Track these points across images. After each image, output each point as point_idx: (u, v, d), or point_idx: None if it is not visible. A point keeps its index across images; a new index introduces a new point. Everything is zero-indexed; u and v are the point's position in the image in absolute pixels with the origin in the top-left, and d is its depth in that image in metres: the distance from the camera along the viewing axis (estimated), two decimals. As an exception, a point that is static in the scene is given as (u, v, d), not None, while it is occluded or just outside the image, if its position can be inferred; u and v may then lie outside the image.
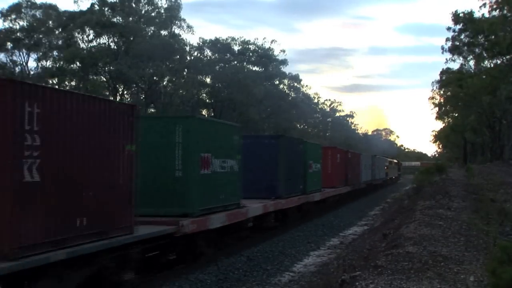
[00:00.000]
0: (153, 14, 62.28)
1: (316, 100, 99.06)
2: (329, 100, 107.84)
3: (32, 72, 59.76)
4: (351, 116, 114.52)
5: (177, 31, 63.02)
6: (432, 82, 73.77)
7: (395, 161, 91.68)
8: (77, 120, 9.91)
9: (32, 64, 61.82)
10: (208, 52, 68.82)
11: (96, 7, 59.73)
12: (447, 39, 59.38)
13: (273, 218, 22.42)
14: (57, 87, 55.22)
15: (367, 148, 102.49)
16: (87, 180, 10.23)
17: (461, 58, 60.88)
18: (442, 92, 70.59)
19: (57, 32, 60.43)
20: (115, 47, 60.05)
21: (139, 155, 11.87)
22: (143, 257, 12.18)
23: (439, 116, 78.57)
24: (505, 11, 50.01)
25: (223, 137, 16.62)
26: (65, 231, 9.58)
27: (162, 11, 61.97)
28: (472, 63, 60.94)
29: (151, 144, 13.79)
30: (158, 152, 13.95)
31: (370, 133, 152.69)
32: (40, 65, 60.54)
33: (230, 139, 17.06)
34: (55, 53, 60.31)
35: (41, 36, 59.60)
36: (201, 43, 68.24)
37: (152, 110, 61.45)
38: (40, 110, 8.91)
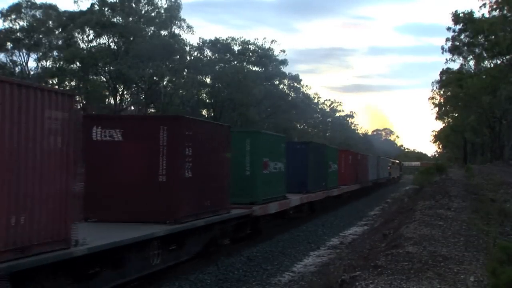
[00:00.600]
0: (153, 14, 62.30)
1: (316, 100, 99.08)
2: (329, 100, 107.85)
3: (32, 72, 59.79)
4: (351, 116, 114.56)
5: (177, 31, 63.12)
6: (432, 82, 73.87)
7: (397, 161, 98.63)
8: (206, 137, 15.17)
9: (32, 64, 61.99)
10: (208, 52, 68.87)
11: (96, 7, 59.76)
12: (447, 39, 59.44)
13: (306, 208, 27.53)
14: (57, 87, 55.48)
15: (368, 148, 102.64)
16: (211, 177, 15.34)
17: (461, 58, 60.92)
18: (442, 92, 70.57)
19: (57, 32, 60.45)
20: (115, 47, 60.07)
21: (230, 160, 17.00)
22: (234, 230, 17.75)
23: (439, 116, 78.60)
24: (505, 11, 49.98)
25: (275, 145, 22.04)
26: (200, 208, 14.73)
27: (162, 11, 61.99)
28: (472, 63, 61.00)
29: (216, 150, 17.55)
30: (233, 158, 17.45)
31: (370, 133, 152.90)
32: (40, 65, 60.65)
33: (279, 147, 22.47)
34: (55, 53, 60.35)
35: (41, 36, 59.62)
36: (201, 43, 68.30)
37: (152, 110, 61.49)
38: (192, 133, 14.18)
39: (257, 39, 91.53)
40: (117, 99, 61.75)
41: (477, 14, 55.97)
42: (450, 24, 58.49)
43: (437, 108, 75.99)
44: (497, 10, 51.29)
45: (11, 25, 59.50)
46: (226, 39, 69.89)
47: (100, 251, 10.09)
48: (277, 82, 76.09)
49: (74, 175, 9.74)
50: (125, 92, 63.68)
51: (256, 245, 19.08)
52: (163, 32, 61.99)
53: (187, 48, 65.44)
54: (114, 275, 11.02)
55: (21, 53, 59.79)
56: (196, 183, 14.28)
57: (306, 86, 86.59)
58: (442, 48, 60.01)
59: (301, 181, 25.83)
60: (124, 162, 13.51)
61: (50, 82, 57.32)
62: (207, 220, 14.89)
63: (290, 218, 24.62)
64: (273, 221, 22.85)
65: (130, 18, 60.21)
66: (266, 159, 20.52)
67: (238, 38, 70.67)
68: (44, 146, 9.05)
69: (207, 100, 68.89)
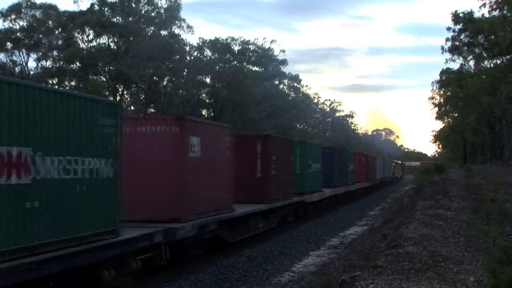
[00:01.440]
0: (153, 14, 62.25)
1: (316, 100, 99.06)
2: (329, 100, 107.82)
3: (32, 72, 59.74)
4: (351, 116, 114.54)
5: (177, 31, 63.03)
6: (432, 82, 73.81)
7: (400, 162, 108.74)
8: (282, 148, 23.64)
9: (32, 64, 61.84)
10: (208, 52, 68.80)
11: (96, 7, 59.72)
12: (447, 39, 59.41)
13: (333, 199, 34.67)
14: (57, 87, 55.55)
15: (368, 148, 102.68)
16: (284, 174, 23.19)
17: (461, 58, 60.89)
18: (442, 92, 70.51)
19: (57, 32, 60.41)
20: (115, 47, 60.04)
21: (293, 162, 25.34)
22: (293, 211, 25.50)
23: (439, 116, 78.50)
24: (505, 11, 49.95)
25: (315, 151, 30.04)
26: (279, 195, 22.39)
27: (162, 11, 61.94)
28: (472, 63, 60.96)
29: (285, 156, 24.30)
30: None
31: (370, 133, 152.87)
32: (40, 65, 60.57)
33: (317, 152, 30.57)
34: (55, 53, 60.29)
35: (41, 36, 59.56)
36: (201, 43, 68.22)
37: (152, 110, 61.44)
38: (275, 145, 22.48)
39: (257, 39, 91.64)
40: (117, 99, 61.73)
41: (477, 14, 56.03)
42: (450, 24, 58.55)
43: (437, 108, 75.98)
44: (497, 10, 51.26)
45: (11, 25, 59.47)
46: (226, 39, 69.88)
47: (244, 215, 18.43)
48: (277, 82, 76.08)
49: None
50: (125, 92, 63.65)
51: (256, 245, 19.09)
52: (163, 32, 61.93)
53: (187, 48, 65.44)
54: (244, 229, 19.07)
55: (21, 53, 59.76)
56: (277, 179, 22.03)
57: (306, 86, 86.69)
58: (442, 48, 60.05)
59: (329, 178, 32.56)
60: (239, 165, 19.22)
61: (50, 82, 57.30)
62: (283, 202, 22.84)
63: (323, 205, 31.87)
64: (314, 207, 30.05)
65: (130, 18, 60.17)
66: (310, 161, 28.26)
67: (238, 38, 70.66)
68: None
69: (207, 100, 68.85)
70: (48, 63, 60.62)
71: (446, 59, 62.65)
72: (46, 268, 8.93)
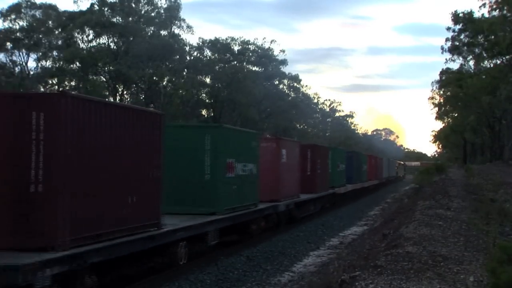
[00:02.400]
0: (152, 14, 62.25)
1: (315, 100, 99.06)
2: (329, 100, 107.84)
3: (32, 72, 59.74)
4: (351, 116, 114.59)
5: (176, 31, 63.05)
6: (432, 82, 73.52)
7: (402, 162, 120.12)
8: (322, 154, 31.86)
9: (32, 64, 61.65)
10: (207, 52, 68.82)
11: (96, 7, 59.71)
12: (447, 39, 59.41)
13: (353, 193, 41.26)
14: (57, 87, 55.37)
15: (368, 148, 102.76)
16: (324, 171, 31.14)
17: (460, 58, 60.90)
18: (442, 92, 70.50)
19: (56, 32, 60.40)
20: (114, 47, 60.04)
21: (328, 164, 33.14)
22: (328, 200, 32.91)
23: (439, 116, 78.47)
24: (505, 11, 49.97)
25: (341, 154, 38.51)
26: (322, 188, 30.52)
27: (162, 11, 61.94)
28: (472, 63, 60.97)
29: (324, 159, 32.21)
30: (324, 162, 32.00)
31: (369, 133, 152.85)
32: (40, 65, 60.54)
33: (343, 155, 39.00)
34: (55, 53, 60.28)
35: (41, 36, 59.56)
36: (200, 43, 68.24)
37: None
38: (321, 152, 32.12)
39: (257, 39, 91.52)
40: (117, 99, 61.71)
41: (477, 14, 56.05)
42: (450, 24, 58.57)
43: (437, 108, 75.97)
44: (497, 10, 51.28)
45: (11, 25, 59.49)
46: (226, 39, 69.90)
47: (306, 200, 26.77)
48: (277, 82, 76.10)
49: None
50: (125, 92, 63.62)
51: (256, 245, 19.08)
52: (163, 32, 61.94)
53: (187, 48, 65.45)
54: (303, 210, 26.66)
55: (21, 53, 59.74)
56: (320, 176, 29.78)
57: (306, 86, 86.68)
58: (442, 48, 60.06)
59: (350, 176, 39.86)
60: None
61: (50, 82, 57.31)
62: (324, 193, 30.82)
63: (346, 197, 38.82)
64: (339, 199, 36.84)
65: (130, 18, 60.16)
66: (338, 162, 36.18)
67: (238, 38, 70.72)
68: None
69: (207, 100, 68.86)
70: (48, 63, 60.66)
71: (446, 59, 62.68)
72: (237, 218, 17.75)
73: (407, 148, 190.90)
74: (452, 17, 57.67)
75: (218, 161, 16.66)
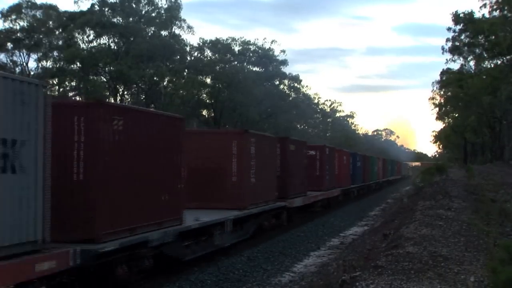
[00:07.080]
0: (153, 14, 62.21)
1: (316, 101, 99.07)
2: (329, 100, 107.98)
3: (32, 73, 59.71)
4: (351, 116, 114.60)
5: (177, 31, 62.99)
6: (432, 82, 73.77)
7: (411, 164, 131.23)
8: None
9: (32, 64, 61.63)
10: (208, 53, 68.79)
11: (96, 7, 59.66)
12: (447, 40, 59.40)
13: (366, 189, 49.35)
14: (57, 87, 55.36)
15: (368, 148, 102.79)
16: (345, 170, 38.64)
17: (461, 59, 60.86)
18: (442, 92, 70.49)
19: (57, 32, 60.35)
20: (115, 47, 60.02)
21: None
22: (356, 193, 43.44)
23: (440, 117, 78.47)
24: (505, 12, 49.97)
25: (359, 157, 45.17)
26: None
27: (162, 11, 61.89)
28: (472, 63, 60.95)
29: (342, 160, 38.32)
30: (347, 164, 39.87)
31: (370, 133, 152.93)
32: (40, 66, 60.48)
33: (360, 157, 45.89)
34: (55, 53, 60.22)
35: (41, 36, 59.53)
36: (201, 44, 68.23)
37: (153, 111, 61.34)
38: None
39: (257, 39, 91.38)
40: (117, 100, 61.71)
41: (478, 15, 56.03)
42: (450, 24, 58.55)
43: (437, 109, 75.96)
44: (498, 11, 51.29)
45: (11, 25, 59.43)
46: (227, 39, 69.89)
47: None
48: (277, 83, 76.07)
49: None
50: (126, 93, 63.60)
51: (256, 245, 19.08)
52: (163, 32, 61.91)
53: (188, 49, 65.44)
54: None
55: (21, 53, 59.71)
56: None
57: (306, 86, 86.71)
58: (443, 48, 60.05)
59: (365, 176, 47.86)
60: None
61: (50, 82, 57.26)
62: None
63: (361, 193, 45.71)
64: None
65: (130, 19, 60.12)
66: (358, 163, 44.25)
67: (238, 39, 70.69)
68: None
69: (207, 101, 68.84)
70: (49, 64, 60.60)
71: (447, 59, 62.67)
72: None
73: (407, 148, 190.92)
74: (453, 18, 57.66)
75: None
